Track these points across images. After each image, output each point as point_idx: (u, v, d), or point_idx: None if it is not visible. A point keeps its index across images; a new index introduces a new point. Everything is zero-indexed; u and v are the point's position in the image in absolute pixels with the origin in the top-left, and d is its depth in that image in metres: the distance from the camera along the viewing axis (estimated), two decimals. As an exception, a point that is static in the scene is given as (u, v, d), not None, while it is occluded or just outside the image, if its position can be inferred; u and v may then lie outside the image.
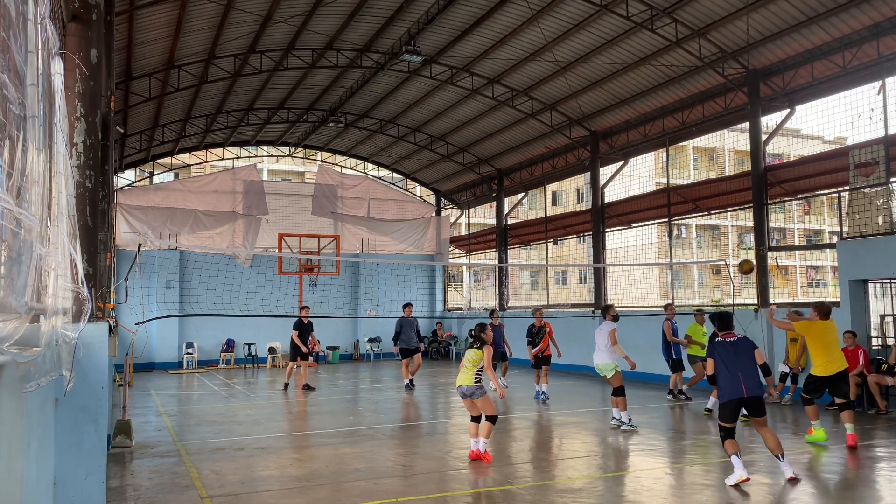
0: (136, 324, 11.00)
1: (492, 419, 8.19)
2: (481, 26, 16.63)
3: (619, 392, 10.39)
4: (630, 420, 10.28)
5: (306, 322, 15.70)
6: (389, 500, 6.55)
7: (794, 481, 7.00)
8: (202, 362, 22.85)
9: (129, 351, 12.32)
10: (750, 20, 13.89)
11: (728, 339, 7.50)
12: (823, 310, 9.21)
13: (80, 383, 5.53)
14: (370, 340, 25.59)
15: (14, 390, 3.28)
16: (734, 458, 7.04)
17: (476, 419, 8.34)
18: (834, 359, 8.93)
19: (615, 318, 10.83)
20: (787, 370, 13.03)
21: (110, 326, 7.37)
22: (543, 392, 13.71)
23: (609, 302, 12.40)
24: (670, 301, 17.09)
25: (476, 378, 8.22)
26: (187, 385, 17.85)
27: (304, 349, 15.34)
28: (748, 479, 6.90)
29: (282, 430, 10.65)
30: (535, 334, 14.15)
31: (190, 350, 22.65)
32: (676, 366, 13.31)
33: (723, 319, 7.75)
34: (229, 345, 23.46)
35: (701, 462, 8.22)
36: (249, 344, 23.04)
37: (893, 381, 11.38)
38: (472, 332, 8.53)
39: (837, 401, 9.13)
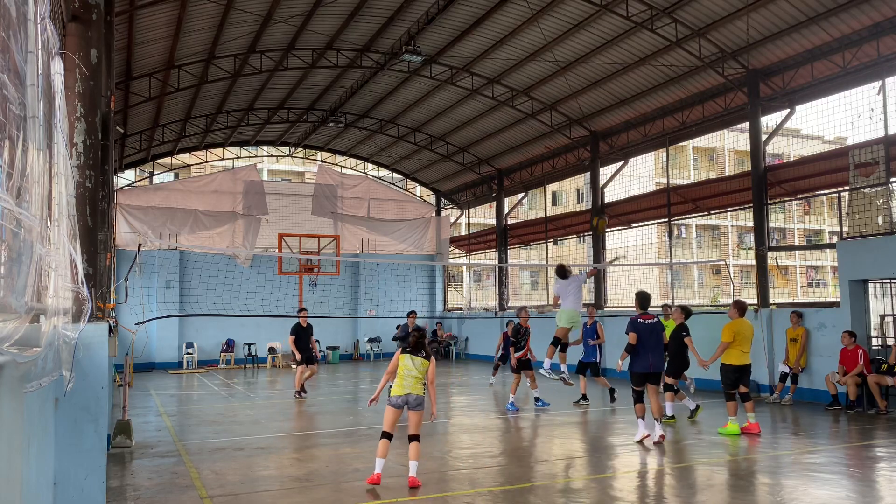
0: (136, 324, 11.01)
1: (416, 438, 7.15)
2: (481, 26, 16.63)
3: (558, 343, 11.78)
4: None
5: (305, 325, 14.91)
6: (389, 500, 6.55)
7: (660, 442, 8.90)
8: (202, 362, 22.84)
9: (129, 351, 12.33)
10: (750, 20, 13.89)
11: (647, 321, 9.21)
12: (742, 308, 10.24)
13: (80, 383, 5.53)
14: (370, 340, 25.59)
15: (14, 390, 3.28)
16: (639, 422, 9.13)
17: (389, 436, 7.14)
18: (746, 351, 10.00)
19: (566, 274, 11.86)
20: (787, 370, 13.03)
21: (110, 326, 7.37)
22: (539, 399, 12.78)
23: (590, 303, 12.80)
24: (592, 306, 17.01)
25: (423, 386, 7.24)
26: (187, 385, 17.85)
27: (297, 356, 14.51)
28: (648, 436, 8.93)
29: (282, 430, 10.65)
30: (521, 336, 13.03)
31: (190, 350, 22.65)
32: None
33: (644, 299, 9.35)
34: (229, 345, 23.46)
35: (701, 462, 8.22)
36: (249, 344, 23.04)
37: (893, 381, 11.38)
38: (414, 338, 7.33)
39: (742, 390, 10.06)
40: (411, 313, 15.09)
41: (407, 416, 7.19)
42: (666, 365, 11.30)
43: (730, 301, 11.36)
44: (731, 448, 8.90)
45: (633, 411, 9.56)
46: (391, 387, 7.31)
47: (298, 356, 14.58)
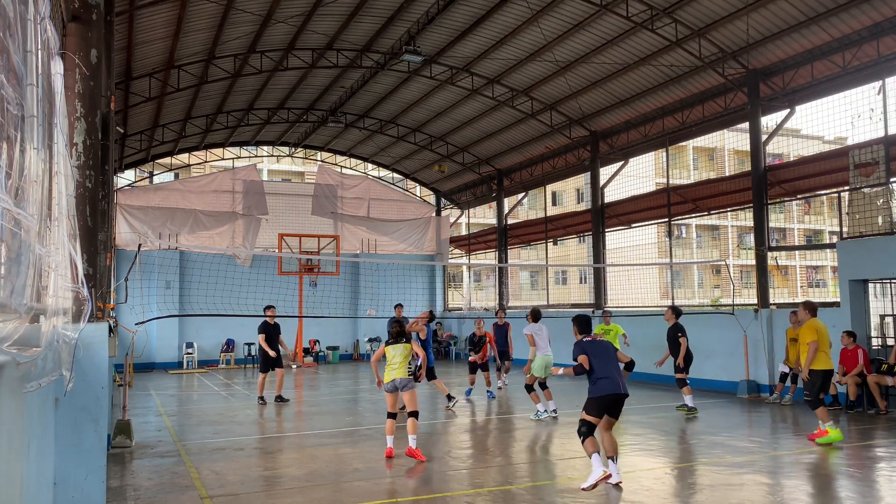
0: (136, 324, 10.99)
1: (415, 414, 8.36)
2: (481, 26, 16.63)
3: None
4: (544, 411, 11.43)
5: (272, 323, 13.90)
6: (389, 500, 6.55)
7: (618, 486, 6.84)
8: (202, 362, 22.85)
9: (129, 351, 12.32)
10: (750, 20, 13.89)
11: (594, 339, 7.48)
12: (678, 312, 11.23)
13: (80, 383, 5.53)
14: (370, 340, 25.59)
15: (14, 390, 3.28)
16: (594, 458, 6.87)
17: (393, 416, 8.53)
18: (828, 353, 9.44)
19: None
20: (787, 370, 13.03)
21: (110, 326, 7.37)
22: (490, 391, 14.30)
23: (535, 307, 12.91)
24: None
25: (409, 371, 8.63)
26: (187, 385, 17.85)
27: (271, 353, 13.60)
28: (609, 476, 6.79)
29: (282, 430, 10.65)
30: (477, 343, 14.52)
31: (190, 350, 22.65)
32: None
33: (583, 323, 7.65)
34: (229, 345, 23.46)
35: (701, 462, 8.21)
36: (249, 344, 23.03)
37: (893, 381, 11.38)
38: (394, 331, 8.79)
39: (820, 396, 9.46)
40: (398, 305, 15.26)
41: (402, 398, 8.52)
42: (674, 364, 11.56)
43: (730, 301, 11.38)
44: (732, 449, 8.89)
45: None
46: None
47: (272, 353, 13.60)
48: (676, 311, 11.79)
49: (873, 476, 7.54)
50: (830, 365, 9.22)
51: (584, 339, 7.43)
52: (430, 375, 12.90)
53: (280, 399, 13.67)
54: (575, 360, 7.20)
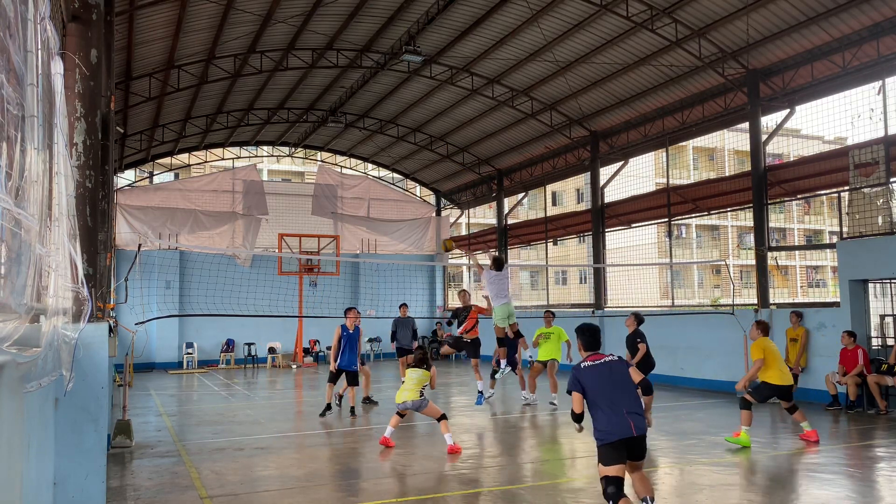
0: (136, 324, 10.99)
1: (444, 417, 8.97)
2: (481, 26, 16.63)
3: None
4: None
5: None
6: (389, 500, 6.55)
7: None
8: (202, 362, 22.84)
9: (129, 351, 12.33)
10: (750, 20, 13.89)
11: (599, 361, 5.62)
12: (640, 319, 10.82)
13: (80, 383, 5.54)
14: (370, 340, 25.57)
15: (14, 390, 3.28)
16: None
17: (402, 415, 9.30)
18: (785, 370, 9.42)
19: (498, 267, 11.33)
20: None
21: (110, 326, 7.37)
22: (481, 394, 12.66)
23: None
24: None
25: (420, 393, 9.11)
26: (187, 385, 17.85)
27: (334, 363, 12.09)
28: None
29: (282, 430, 10.65)
30: (460, 315, 13.33)
31: (190, 350, 22.64)
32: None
33: (590, 337, 5.82)
34: (229, 345, 23.46)
35: (701, 462, 8.21)
36: (249, 344, 23.03)
37: (893, 381, 11.38)
38: (420, 355, 9.37)
39: (786, 405, 9.41)
40: (403, 305, 15.57)
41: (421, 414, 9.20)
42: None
43: (730, 301, 11.32)
44: (732, 449, 8.90)
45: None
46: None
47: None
48: (639, 318, 11.10)
49: (873, 476, 7.54)
50: (784, 381, 9.18)
51: (583, 365, 5.63)
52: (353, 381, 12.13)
53: (368, 401, 12.88)
54: (569, 393, 5.63)
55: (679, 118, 17.51)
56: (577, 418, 5.63)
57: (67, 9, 6.50)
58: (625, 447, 5.31)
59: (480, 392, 12.70)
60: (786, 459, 8.32)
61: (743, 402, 9.31)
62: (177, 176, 29.68)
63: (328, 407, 11.73)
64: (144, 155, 24.00)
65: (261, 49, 17.82)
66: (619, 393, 5.44)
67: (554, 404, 12.48)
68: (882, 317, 13.00)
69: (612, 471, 5.23)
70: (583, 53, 16.94)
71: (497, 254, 11.76)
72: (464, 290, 14.06)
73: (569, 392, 5.63)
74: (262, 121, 23.49)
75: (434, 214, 28.87)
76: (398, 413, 9.18)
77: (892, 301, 12.87)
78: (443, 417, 8.96)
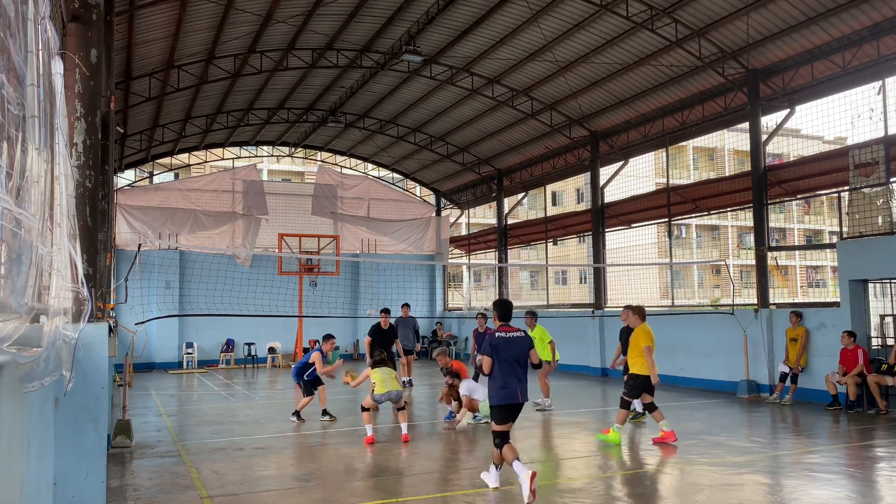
0: (136, 324, 10.99)
1: (404, 408, 9.91)
2: (481, 26, 16.63)
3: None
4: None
5: (385, 327, 14.25)
6: (389, 500, 6.55)
7: (534, 493, 6.19)
8: (202, 362, 22.84)
9: (129, 351, 12.31)
10: (750, 20, 13.89)
11: (510, 334, 6.66)
12: (642, 313, 10.18)
13: (80, 383, 5.54)
14: (370, 340, 25.56)
15: (14, 390, 3.28)
16: (516, 465, 6.42)
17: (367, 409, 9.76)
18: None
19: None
20: (786, 370, 13.03)
21: (110, 326, 7.37)
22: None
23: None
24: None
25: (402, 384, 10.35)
26: (187, 385, 17.85)
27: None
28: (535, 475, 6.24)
29: (282, 430, 10.64)
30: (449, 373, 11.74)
31: (190, 350, 22.64)
32: None
33: (504, 310, 6.86)
34: (229, 345, 23.46)
35: (701, 462, 8.21)
36: (249, 344, 23.03)
37: (893, 381, 11.39)
38: (381, 357, 10.05)
39: (647, 400, 9.55)
40: (405, 305, 15.81)
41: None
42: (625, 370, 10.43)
43: (730, 301, 11.22)
44: (732, 449, 8.89)
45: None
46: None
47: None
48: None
49: (873, 476, 7.54)
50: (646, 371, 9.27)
51: (498, 335, 6.62)
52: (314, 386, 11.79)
53: (325, 413, 11.86)
54: (481, 354, 6.68)
55: (679, 118, 17.52)
56: (483, 372, 6.74)
57: (67, 9, 6.50)
58: (512, 412, 6.70)
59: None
60: (786, 459, 8.32)
61: (623, 401, 9.46)
62: (177, 176, 29.68)
63: (324, 412, 11.64)
64: (144, 155, 24.00)
65: (261, 49, 17.82)
66: (517, 365, 6.62)
67: (538, 403, 12.32)
68: (882, 317, 13.01)
69: (501, 429, 6.73)
70: (583, 53, 16.94)
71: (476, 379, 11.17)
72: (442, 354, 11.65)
73: (481, 354, 6.70)
74: (262, 121, 23.49)
75: (434, 214, 28.87)
76: (367, 409, 9.72)
77: (892, 301, 12.88)
78: (404, 407, 9.88)
